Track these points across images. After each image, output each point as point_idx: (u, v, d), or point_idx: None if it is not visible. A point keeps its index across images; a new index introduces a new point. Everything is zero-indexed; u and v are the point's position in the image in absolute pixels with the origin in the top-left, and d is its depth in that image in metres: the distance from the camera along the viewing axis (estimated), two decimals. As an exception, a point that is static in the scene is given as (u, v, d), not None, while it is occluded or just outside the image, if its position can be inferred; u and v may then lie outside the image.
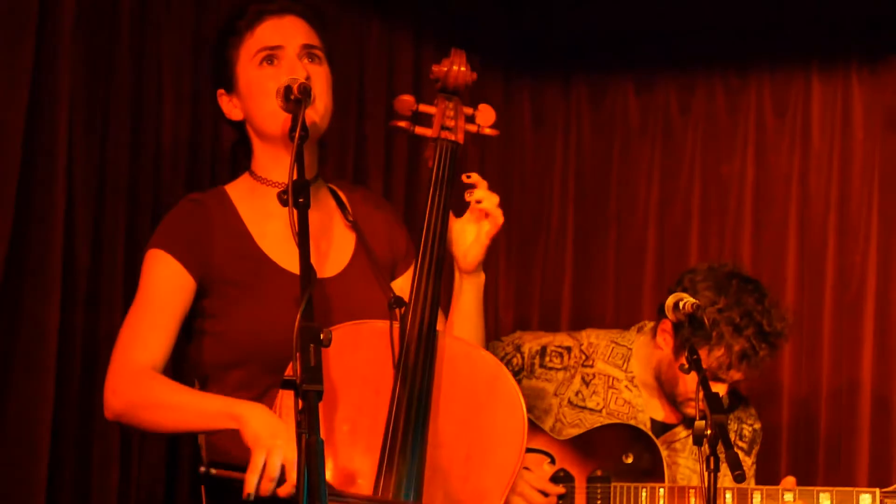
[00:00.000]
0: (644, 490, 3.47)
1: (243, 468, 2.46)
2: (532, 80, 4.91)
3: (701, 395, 2.84)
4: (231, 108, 2.85)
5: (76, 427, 3.28)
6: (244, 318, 2.73)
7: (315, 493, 2.16)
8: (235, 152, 2.93)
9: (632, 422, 3.62)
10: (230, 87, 2.84)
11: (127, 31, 3.42)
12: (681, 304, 3.10)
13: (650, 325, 3.74)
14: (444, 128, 2.86)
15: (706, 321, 3.23)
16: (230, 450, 2.63)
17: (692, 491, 3.45)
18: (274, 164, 2.81)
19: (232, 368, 2.72)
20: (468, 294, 2.87)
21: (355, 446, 2.58)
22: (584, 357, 3.73)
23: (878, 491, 3.39)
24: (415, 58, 4.40)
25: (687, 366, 2.97)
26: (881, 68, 4.51)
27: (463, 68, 2.89)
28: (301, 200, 2.44)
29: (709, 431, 2.80)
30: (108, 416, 2.69)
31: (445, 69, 2.89)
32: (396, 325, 2.67)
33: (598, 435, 3.57)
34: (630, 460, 3.52)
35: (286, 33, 2.79)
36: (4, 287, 3.10)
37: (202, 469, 2.50)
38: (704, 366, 3.18)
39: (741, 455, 3.67)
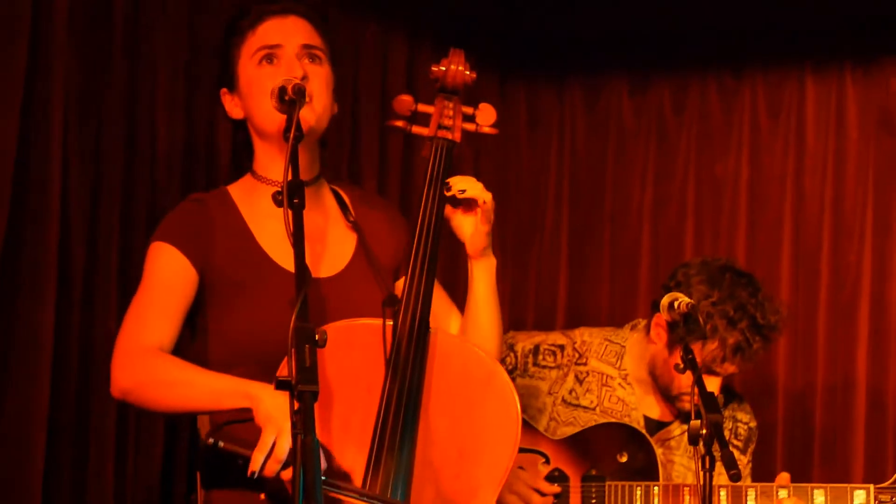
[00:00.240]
0: (639, 489, 3.48)
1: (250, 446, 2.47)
2: (527, 81, 4.92)
3: (696, 393, 2.84)
4: (233, 106, 2.86)
5: (72, 427, 3.28)
6: (244, 316, 2.74)
7: (311, 492, 2.16)
8: (237, 153, 2.94)
9: (625, 419, 3.63)
10: (232, 85, 2.85)
11: (121, 32, 3.42)
12: (676, 304, 3.10)
13: (644, 322, 3.75)
14: (441, 127, 2.87)
15: (701, 320, 3.23)
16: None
17: (687, 489, 3.45)
18: (274, 163, 2.82)
19: (232, 366, 2.71)
20: (480, 279, 2.87)
21: (347, 443, 2.59)
22: (577, 355, 3.73)
23: (872, 487, 3.40)
24: (409, 58, 4.40)
25: (682, 365, 2.97)
26: (875, 69, 4.51)
27: (461, 68, 2.89)
28: (296, 201, 2.43)
29: (704, 431, 2.80)
30: (115, 393, 2.68)
31: (444, 69, 2.89)
32: (390, 322, 2.68)
33: (592, 434, 3.57)
34: (625, 459, 3.52)
35: (286, 33, 2.81)
36: (-1, 288, 3.11)
37: (210, 441, 2.50)
38: (698, 359, 3.19)
39: (736, 454, 3.67)
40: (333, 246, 2.86)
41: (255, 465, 2.45)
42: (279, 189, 2.45)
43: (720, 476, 2.92)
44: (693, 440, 2.80)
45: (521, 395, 3.59)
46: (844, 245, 4.50)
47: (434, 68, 2.91)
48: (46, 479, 3.18)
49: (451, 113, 2.87)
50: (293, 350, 2.24)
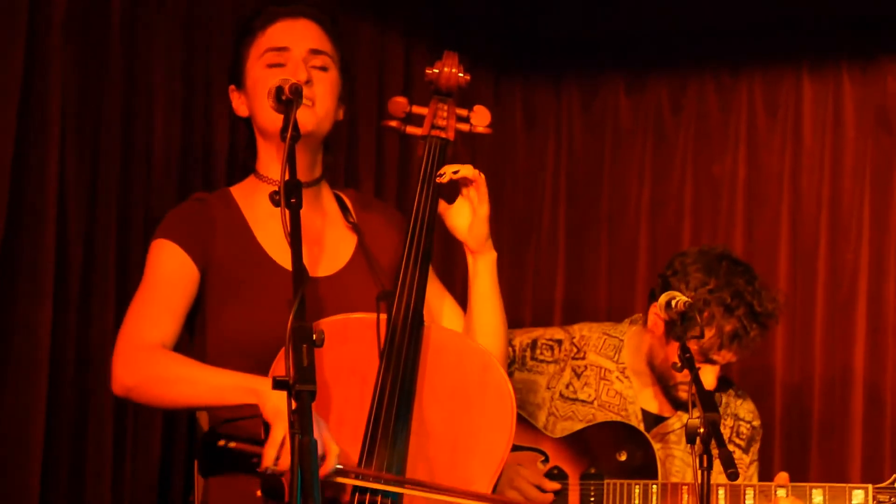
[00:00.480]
0: (637, 487, 3.48)
1: (257, 442, 2.47)
2: (523, 80, 4.92)
3: (694, 392, 2.84)
4: (239, 104, 2.89)
5: (70, 426, 3.28)
6: (242, 314, 2.75)
7: (309, 492, 2.16)
8: (240, 150, 2.99)
9: (623, 413, 3.63)
10: (240, 83, 2.88)
11: (118, 32, 3.42)
12: (673, 303, 3.10)
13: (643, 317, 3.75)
14: (435, 127, 2.90)
15: (698, 317, 3.23)
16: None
17: (685, 488, 3.45)
18: (275, 163, 2.83)
19: (231, 364, 2.72)
20: (482, 274, 2.88)
21: (341, 435, 2.59)
22: (574, 350, 3.73)
23: (870, 487, 3.40)
24: (405, 58, 4.40)
25: (679, 364, 2.97)
26: (872, 68, 4.51)
27: (455, 70, 2.92)
28: (293, 201, 2.43)
29: (702, 430, 2.80)
30: (118, 391, 2.68)
31: (438, 71, 2.92)
32: (384, 317, 2.70)
33: (591, 433, 3.57)
34: (623, 458, 3.52)
35: (295, 36, 2.83)
36: (-4, 291, 3.11)
37: (221, 442, 2.50)
38: (696, 347, 3.18)
39: (738, 453, 3.67)
40: (332, 246, 2.87)
41: (267, 461, 2.46)
42: (277, 189, 2.46)
43: (720, 475, 2.92)
44: (691, 439, 2.80)
45: (519, 390, 3.65)
46: (842, 243, 4.51)
47: (428, 70, 2.94)
48: (44, 478, 3.17)
49: (445, 114, 2.91)
50: (291, 349, 2.24)
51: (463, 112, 2.93)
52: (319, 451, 2.42)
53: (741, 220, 4.64)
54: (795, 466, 3.79)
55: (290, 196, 2.43)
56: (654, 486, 3.47)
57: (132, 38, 3.47)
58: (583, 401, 3.68)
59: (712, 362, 3.55)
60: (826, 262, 4.51)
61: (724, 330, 3.52)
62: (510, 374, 3.69)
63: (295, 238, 2.40)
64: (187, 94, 3.62)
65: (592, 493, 3.51)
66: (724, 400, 3.70)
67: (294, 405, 2.23)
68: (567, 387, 3.70)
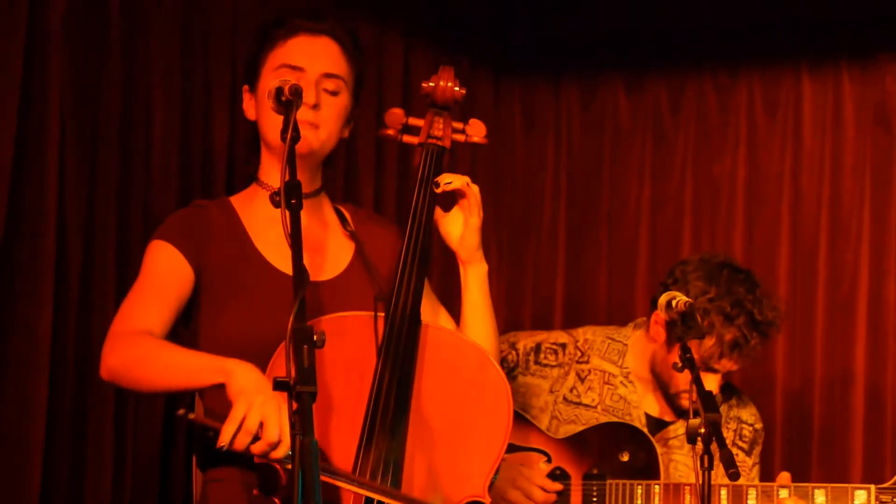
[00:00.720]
0: (640, 488, 3.47)
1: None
2: (523, 80, 4.91)
3: (694, 391, 2.84)
4: (249, 106, 2.92)
5: (70, 428, 3.28)
6: (240, 317, 2.77)
7: (310, 493, 2.16)
8: (242, 149, 3.01)
9: (627, 417, 3.62)
10: (252, 86, 2.90)
11: (117, 34, 3.42)
12: (674, 303, 3.10)
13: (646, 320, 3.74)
14: (431, 136, 2.94)
15: (699, 319, 3.23)
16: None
17: (687, 489, 3.45)
18: (276, 172, 2.84)
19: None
20: (473, 285, 2.92)
21: (339, 431, 2.62)
22: (579, 353, 3.73)
23: (873, 487, 3.39)
24: (405, 60, 4.40)
25: (680, 364, 2.97)
26: (871, 66, 4.51)
27: (451, 84, 2.96)
28: (293, 202, 2.44)
29: (703, 430, 2.79)
30: (104, 375, 2.70)
31: (434, 85, 2.96)
32: (381, 316, 2.73)
33: (594, 433, 3.56)
34: (626, 458, 3.51)
35: (312, 56, 2.84)
36: (-4, 292, 3.11)
37: (181, 412, 2.51)
38: (696, 356, 3.18)
39: (741, 456, 3.66)
40: (331, 253, 2.90)
41: (224, 438, 2.47)
42: (277, 190, 2.46)
43: (722, 476, 2.91)
44: (691, 439, 2.80)
45: (522, 394, 3.65)
46: (842, 243, 4.50)
47: (424, 84, 2.97)
48: (44, 478, 3.18)
49: (441, 126, 2.95)
50: (291, 350, 2.24)
51: (458, 125, 2.97)
52: (276, 437, 2.44)
53: (741, 220, 4.63)
54: (796, 467, 3.78)
55: (290, 197, 2.43)
56: (657, 487, 3.47)
57: (131, 38, 3.47)
58: (586, 405, 3.67)
59: (713, 370, 3.54)
60: (826, 262, 4.50)
61: (724, 339, 3.51)
62: (514, 378, 3.69)
63: (295, 238, 2.41)
64: (186, 95, 3.62)
65: (595, 494, 3.50)
66: (725, 407, 3.70)
67: (295, 406, 2.23)
68: (571, 391, 3.69)
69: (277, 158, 2.82)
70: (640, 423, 3.62)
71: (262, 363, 2.62)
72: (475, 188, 2.91)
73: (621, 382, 3.68)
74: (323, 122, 2.82)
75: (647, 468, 3.49)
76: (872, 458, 4.34)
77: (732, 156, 4.65)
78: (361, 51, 2.94)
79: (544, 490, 3.50)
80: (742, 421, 3.74)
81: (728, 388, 3.74)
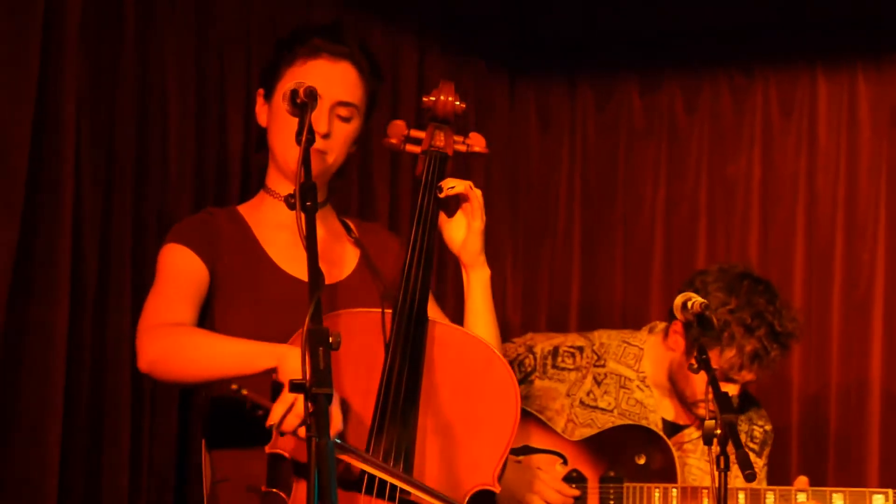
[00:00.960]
0: (657, 491, 3.47)
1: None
2: (537, 81, 4.91)
3: (710, 394, 2.83)
4: (262, 112, 2.93)
5: (86, 428, 3.29)
6: (249, 320, 2.78)
7: (325, 494, 2.16)
8: (254, 157, 3.03)
9: (643, 422, 3.62)
10: (268, 94, 2.91)
11: (132, 40, 3.43)
12: (689, 304, 3.09)
13: (661, 325, 3.74)
14: (433, 145, 2.98)
15: (715, 321, 3.22)
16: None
17: (705, 491, 3.44)
18: (283, 182, 2.89)
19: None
20: (476, 290, 2.94)
21: (348, 423, 2.64)
22: (595, 357, 3.72)
23: (891, 492, 3.38)
24: (419, 60, 4.40)
25: (696, 365, 2.96)
26: (887, 66, 4.50)
27: (452, 98, 2.99)
28: (308, 204, 2.44)
29: (719, 431, 2.79)
30: (142, 366, 2.70)
31: (434, 99, 2.99)
32: (389, 313, 2.76)
33: (610, 436, 3.56)
34: (643, 461, 3.51)
35: (330, 83, 2.83)
36: (13, 293, 3.11)
37: (234, 387, 2.51)
38: (716, 366, 3.17)
39: (752, 457, 3.66)
40: (337, 258, 2.93)
41: (274, 417, 2.48)
42: (293, 192, 2.46)
43: (738, 479, 2.91)
44: (707, 440, 2.80)
45: (539, 397, 3.66)
46: (857, 244, 4.49)
47: (425, 98, 3.01)
48: (61, 478, 3.19)
49: (442, 137, 2.99)
50: (307, 352, 2.25)
51: (459, 139, 3.01)
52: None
53: (756, 221, 4.63)
54: (813, 472, 3.77)
55: (305, 199, 2.44)
56: (675, 490, 3.46)
57: (146, 44, 3.48)
58: (602, 409, 3.67)
59: (732, 381, 3.54)
60: (842, 263, 4.50)
61: (744, 350, 3.50)
62: (531, 382, 3.69)
63: (310, 240, 2.41)
64: (201, 100, 3.62)
65: (612, 497, 3.50)
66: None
67: (311, 408, 2.23)
68: (588, 394, 3.69)
69: (283, 170, 2.87)
70: (657, 428, 3.61)
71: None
72: (478, 192, 2.93)
73: (638, 387, 3.68)
74: (332, 151, 2.85)
75: (664, 471, 3.49)
76: (889, 462, 4.33)
77: (747, 156, 4.65)
78: (379, 71, 2.96)
79: (561, 493, 3.50)
80: (753, 422, 3.74)
81: (748, 404, 3.73)
